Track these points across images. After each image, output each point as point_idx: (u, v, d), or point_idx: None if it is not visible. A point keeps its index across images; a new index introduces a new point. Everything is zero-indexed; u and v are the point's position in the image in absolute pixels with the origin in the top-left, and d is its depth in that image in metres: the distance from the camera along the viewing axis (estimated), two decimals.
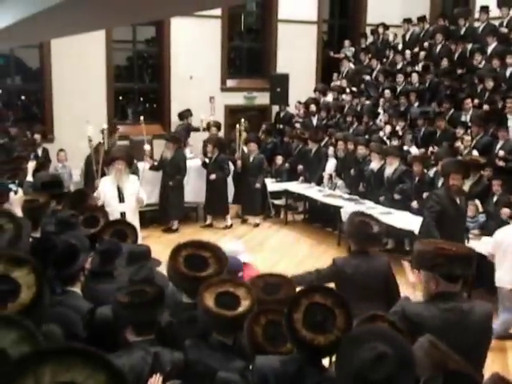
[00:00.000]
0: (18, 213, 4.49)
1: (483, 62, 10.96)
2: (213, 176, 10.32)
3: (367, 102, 12.12)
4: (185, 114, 12.42)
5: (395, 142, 10.03)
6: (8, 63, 12.32)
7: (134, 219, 6.87)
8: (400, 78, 12.17)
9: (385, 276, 4.34)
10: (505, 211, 7.55)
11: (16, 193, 4.59)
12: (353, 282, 4.24)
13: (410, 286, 3.62)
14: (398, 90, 11.86)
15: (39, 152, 10.44)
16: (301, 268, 8.51)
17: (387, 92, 11.82)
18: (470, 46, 11.64)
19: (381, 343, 2.22)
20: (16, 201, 4.54)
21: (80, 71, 12.02)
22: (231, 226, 10.64)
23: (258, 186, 10.69)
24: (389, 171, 9.06)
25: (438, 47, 12.29)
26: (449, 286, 3.16)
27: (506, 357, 5.97)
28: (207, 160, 10.49)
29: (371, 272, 4.30)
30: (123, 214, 7.00)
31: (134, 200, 7.24)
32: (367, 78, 13.16)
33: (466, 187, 7.92)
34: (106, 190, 7.21)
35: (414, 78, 11.81)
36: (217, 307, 2.90)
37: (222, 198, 10.49)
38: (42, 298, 2.66)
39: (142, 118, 10.44)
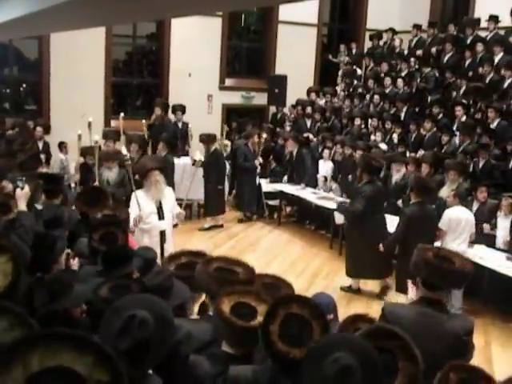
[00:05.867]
0: (23, 207, 4.52)
1: (492, 73, 10.90)
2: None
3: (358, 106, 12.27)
4: (176, 108, 12.09)
5: (384, 147, 10.09)
6: (6, 53, 12.28)
7: (171, 236, 6.43)
8: (388, 81, 12.27)
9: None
10: (486, 227, 7.68)
11: (22, 188, 4.62)
12: None
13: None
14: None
15: (40, 145, 10.37)
16: (293, 269, 8.63)
17: (376, 97, 11.94)
18: (479, 55, 11.55)
19: (344, 353, 2.19)
20: (21, 196, 4.57)
21: (79, 64, 11.99)
22: None
23: (219, 187, 10.35)
24: (396, 177, 9.05)
25: (447, 56, 12.20)
26: (428, 293, 3.22)
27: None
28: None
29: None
30: (163, 233, 6.25)
31: (172, 216, 6.41)
32: (355, 81, 13.38)
33: (447, 192, 8.04)
34: (141, 203, 6.26)
35: (400, 83, 11.91)
36: (231, 314, 2.80)
37: None
38: (17, 289, 2.68)
39: (121, 114, 10.32)
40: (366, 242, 7.58)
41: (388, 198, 9.08)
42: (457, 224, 7.05)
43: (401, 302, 3.47)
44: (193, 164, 9.22)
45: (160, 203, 6.27)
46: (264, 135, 11.40)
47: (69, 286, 2.95)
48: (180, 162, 10.57)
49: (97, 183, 7.89)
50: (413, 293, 3.56)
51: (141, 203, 6.21)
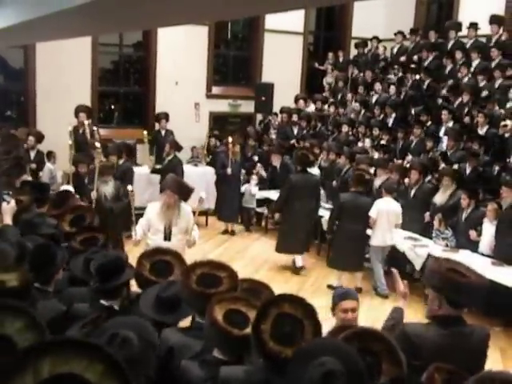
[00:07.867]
0: (8, 221, 4.48)
1: (468, 77, 11.08)
2: None
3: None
4: (161, 116, 12.12)
5: (376, 154, 10.14)
6: None
7: None
8: (377, 86, 12.35)
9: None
10: (473, 235, 7.75)
11: (8, 203, 4.58)
12: None
13: (401, 296, 3.64)
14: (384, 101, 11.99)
15: (32, 155, 10.18)
16: (281, 275, 8.65)
17: (356, 105, 12.10)
18: (459, 62, 11.69)
19: (331, 358, 2.19)
20: (8, 211, 4.53)
21: (65, 73, 11.95)
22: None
23: None
24: (378, 183, 9.12)
25: (427, 62, 12.35)
26: (452, 311, 3.12)
27: None
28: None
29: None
30: None
31: (182, 239, 6.02)
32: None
33: (443, 199, 8.14)
34: (152, 217, 6.07)
35: (392, 90, 12.00)
36: (225, 323, 2.75)
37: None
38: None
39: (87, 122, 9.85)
40: (289, 223, 8.85)
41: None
42: (384, 213, 8.00)
43: (419, 322, 3.32)
44: None
45: (170, 223, 6.02)
46: (251, 142, 11.35)
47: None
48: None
49: (94, 193, 7.75)
50: (404, 288, 3.58)
51: (151, 217, 6.04)
